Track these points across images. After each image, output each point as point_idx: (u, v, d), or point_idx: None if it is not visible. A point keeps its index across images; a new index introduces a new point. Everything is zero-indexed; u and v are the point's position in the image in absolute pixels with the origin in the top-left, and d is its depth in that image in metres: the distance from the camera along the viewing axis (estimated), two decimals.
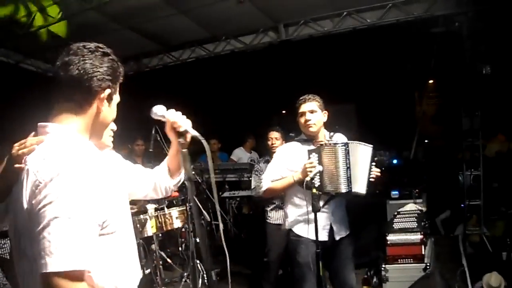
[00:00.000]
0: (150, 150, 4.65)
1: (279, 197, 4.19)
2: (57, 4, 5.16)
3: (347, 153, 2.97)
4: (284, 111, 11.61)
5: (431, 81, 11.55)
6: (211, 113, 11.10)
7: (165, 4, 5.54)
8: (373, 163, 3.08)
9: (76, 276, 1.22)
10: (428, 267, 4.19)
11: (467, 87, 6.18)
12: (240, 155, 7.18)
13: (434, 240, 4.93)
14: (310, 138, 3.23)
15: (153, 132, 4.52)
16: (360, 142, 3.08)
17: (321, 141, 3.18)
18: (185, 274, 4.89)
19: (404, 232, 4.41)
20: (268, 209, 4.56)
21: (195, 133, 1.72)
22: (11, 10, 5.00)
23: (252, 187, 4.78)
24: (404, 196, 5.74)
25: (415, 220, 4.58)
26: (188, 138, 1.74)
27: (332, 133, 3.32)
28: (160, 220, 4.51)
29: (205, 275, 4.38)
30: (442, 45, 7.44)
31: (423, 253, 4.31)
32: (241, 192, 6.59)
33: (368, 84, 10.64)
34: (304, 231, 3.13)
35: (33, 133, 1.46)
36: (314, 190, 2.86)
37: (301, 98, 3.22)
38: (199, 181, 4.88)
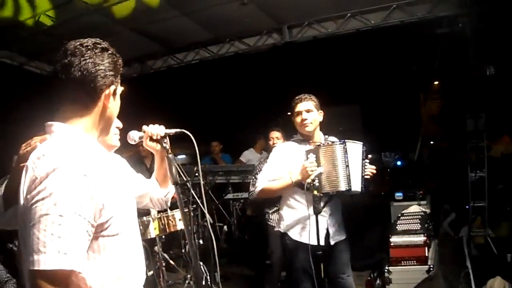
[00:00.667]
0: None
1: (280, 200, 4.18)
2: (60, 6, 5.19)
3: (345, 151, 2.94)
4: (289, 113, 11.55)
5: (435, 82, 11.50)
6: (214, 115, 11.12)
7: (169, 6, 5.56)
8: (366, 160, 3.05)
9: (63, 275, 1.17)
10: (431, 269, 4.17)
11: (471, 88, 6.15)
12: (250, 156, 7.16)
13: (438, 242, 4.91)
14: (307, 138, 3.19)
15: None
16: (349, 140, 3.03)
17: (318, 142, 3.15)
18: (189, 276, 4.88)
19: (407, 234, 4.39)
20: (270, 211, 4.55)
21: (174, 130, 1.75)
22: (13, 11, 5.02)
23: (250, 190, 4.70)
24: (408, 198, 5.72)
25: (419, 222, 4.56)
26: (168, 141, 1.80)
27: (327, 136, 3.29)
28: (163, 222, 4.50)
29: (208, 277, 4.40)
30: (446, 46, 7.41)
31: (426, 255, 4.28)
32: (244, 194, 6.57)
33: (372, 85, 10.63)
34: (300, 235, 3.08)
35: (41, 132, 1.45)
36: (316, 192, 2.82)
37: (297, 97, 3.20)
38: (203, 182, 4.86)
